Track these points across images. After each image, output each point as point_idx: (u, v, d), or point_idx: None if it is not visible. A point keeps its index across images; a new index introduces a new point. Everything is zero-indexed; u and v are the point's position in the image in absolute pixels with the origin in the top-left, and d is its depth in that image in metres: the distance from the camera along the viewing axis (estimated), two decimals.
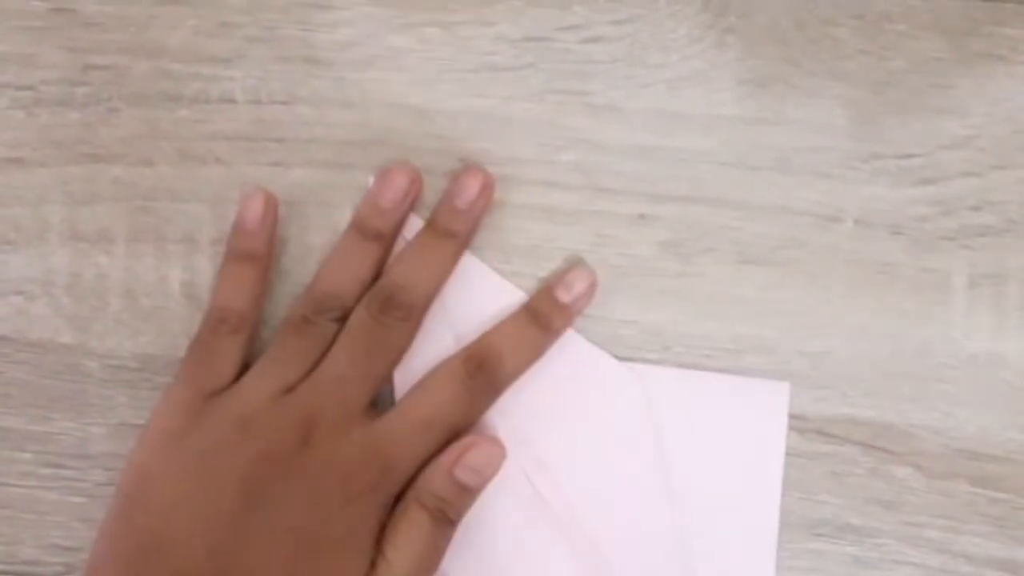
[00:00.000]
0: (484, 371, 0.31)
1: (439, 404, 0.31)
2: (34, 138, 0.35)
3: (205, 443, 0.30)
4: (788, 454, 0.32)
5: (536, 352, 0.32)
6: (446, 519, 0.30)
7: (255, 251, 0.32)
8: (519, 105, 0.34)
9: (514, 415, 0.32)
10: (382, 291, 0.31)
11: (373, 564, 0.29)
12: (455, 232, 0.32)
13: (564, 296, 0.32)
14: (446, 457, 0.30)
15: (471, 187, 0.32)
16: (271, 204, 0.33)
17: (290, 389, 0.31)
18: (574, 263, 0.33)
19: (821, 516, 0.32)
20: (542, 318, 0.32)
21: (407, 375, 0.32)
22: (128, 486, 0.30)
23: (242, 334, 0.32)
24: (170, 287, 0.34)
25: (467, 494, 0.31)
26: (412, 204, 0.33)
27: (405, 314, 0.31)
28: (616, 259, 0.34)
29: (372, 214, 0.32)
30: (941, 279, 0.33)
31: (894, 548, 0.32)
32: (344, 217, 0.34)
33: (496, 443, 0.31)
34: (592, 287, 0.32)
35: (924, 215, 0.33)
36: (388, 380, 0.32)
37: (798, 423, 0.33)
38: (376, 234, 0.32)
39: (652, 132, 0.34)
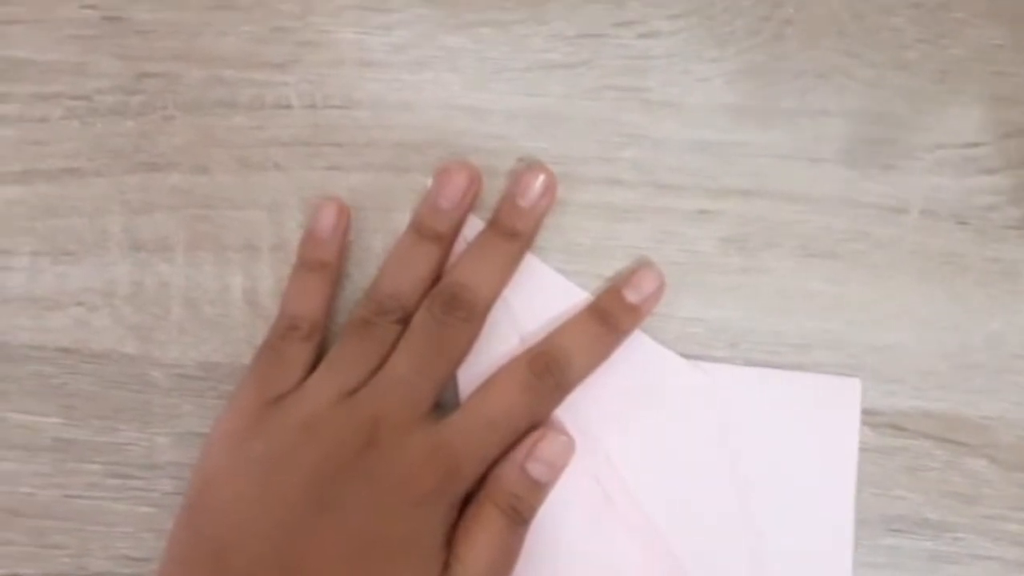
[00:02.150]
0: (551, 372, 0.31)
1: (505, 405, 0.30)
2: (89, 148, 0.34)
3: (269, 447, 0.30)
4: (862, 449, 0.32)
5: (603, 353, 0.32)
6: (519, 517, 0.30)
7: (326, 260, 0.32)
8: (576, 103, 0.34)
9: (581, 416, 0.32)
10: (444, 291, 0.31)
11: (446, 565, 0.29)
12: (518, 231, 0.32)
13: (632, 297, 0.32)
14: (517, 453, 0.30)
15: (534, 186, 0.32)
16: (343, 213, 0.32)
17: (353, 392, 0.30)
18: (642, 263, 0.33)
19: (897, 512, 0.32)
20: (610, 318, 0.32)
21: (472, 376, 0.32)
22: (194, 493, 0.30)
23: (312, 341, 0.32)
24: (232, 295, 0.34)
25: (539, 489, 0.30)
26: (472, 203, 0.33)
27: (468, 314, 0.31)
28: (679, 256, 0.33)
29: (431, 214, 0.32)
30: (1009, 268, 0.33)
31: (972, 542, 0.32)
32: (403, 220, 0.33)
33: (565, 435, 0.31)
34: (660, 288, 0.32)
35: (990, 204, 0.33)
36: (452, 381, 0.32)
37: (871, 418, 0.32)
38: (435, 235, 0.32)
39: (711, 127, 0.34)
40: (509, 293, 0.33)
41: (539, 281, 0.33)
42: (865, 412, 0.32)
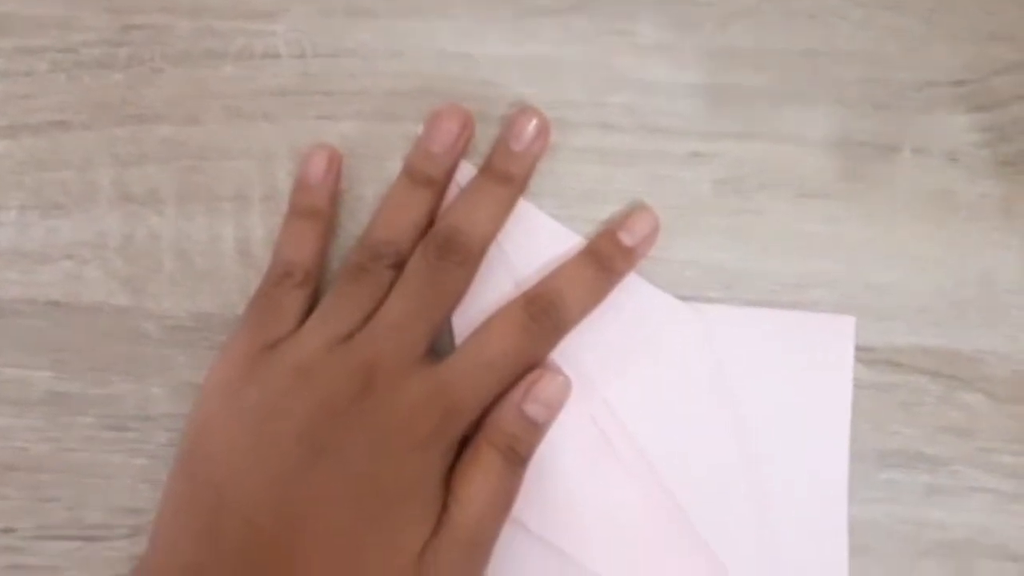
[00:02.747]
0: (546, 313, 0.31)
1: (502, 346, 0.30)
2: (77, 101, 0.34)
3: (264, 394, 0.29)
4: (857, 386, 0.32)
5: (598, 295, 0.32)
6: (517, 457, 0.30)
7: (318, 207, 0.32)
8: (567, 48, 0.34)
9: (577, 359, 0.32)
10: (438, 235, 0.31)
11: (444, 507, 0.29)
12: (511, 175, 0.32)
13: (627, 239, 0.32)
14: (515, 394, 0.30)
15: (527, 129, 0.32)
16: (334, 160, 0.32)
17: (348, 337, 0.30)
18: (637, 205, 0.33)
19: (893, 447, 0.32)
20: (605, 261, 0.32)
21: (467, 321, 0.32)
22: (189, 442, 0.30)
23: (306, 288, 0.31)
24: (224, 245, 0.34)
25: (537, 429, 0.30)
26: (464, 148, 0.32)
27: (462, 258, 0.31)
28: (672, 199, 0.33)
29: (423, 159, 0.32)
30: (1000, 205, 0.33)
31: (968, 475, 0.32)
32: (395, 168, 0.33)
33: (562, 375, 0.31)
34: (655, 230, 0.32)
35: (981, 141, 0.33)
36: (447, 326, 0.32)
37: (866, 355, 0.32)
38: (428, 180, 0.32)
39: (703, 69, 0.34)
40: (503, 238, 0.33)
41: (533, 226, 0.33)
42: (860, 349, 0.32)
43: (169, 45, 0.34)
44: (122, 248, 0.34)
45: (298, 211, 0.32)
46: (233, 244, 0.34)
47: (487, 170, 0.32)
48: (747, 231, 0.33)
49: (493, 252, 0.32)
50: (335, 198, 0.33)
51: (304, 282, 0.31)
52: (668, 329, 0.33)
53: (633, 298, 0.33)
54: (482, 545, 0.30)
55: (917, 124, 0.33)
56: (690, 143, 0.33)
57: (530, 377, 0.31)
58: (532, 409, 0.30)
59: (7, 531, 0.33)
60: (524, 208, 0.33)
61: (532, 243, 0.33)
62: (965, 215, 0.33)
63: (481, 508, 0.29)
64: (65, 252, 0.34)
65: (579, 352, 0.32)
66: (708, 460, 0.32)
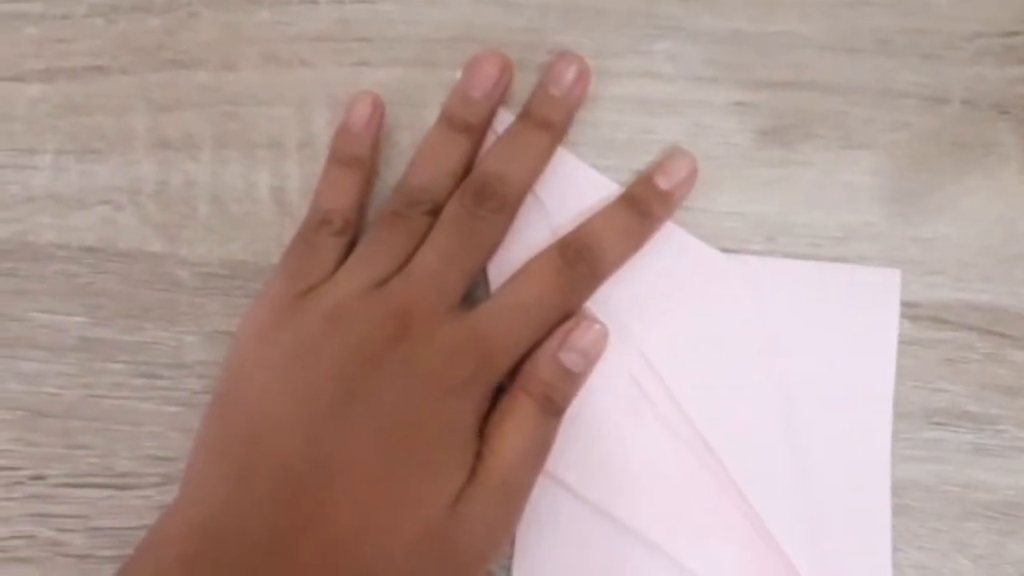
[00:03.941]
0: (583, 259, 0.30)
1: (537, 292, 0.30)
2: (114, 45, 0.34)
3: (299, 338, 0.29)
4: (902, 342, 0.31)
5: (636, 241, 0.31)
6: (553, 407, 0.30)
7: (359, 154, 0.32)
8: None
9: (616, 311, 0.32)
10: (475, 182, 0.31)
11: (479, 455, 0.29)
12: (551, 122, 0.31)
13: (664, 183, 0.31)
14: (551, 342, 0.30)
15: (567, 74, 0.31)
16: (378, 107, 0.32)
17: (383, 283, 0.30)
18: (673, 149, 0.32)
19: (938, 404, 0.31)
20: (642, 205, 0.31)
21: (502, 269, 0.32)
22: (224, 384, 0.30)
23: (344, 236, 0.31)
24: (259, 193, 0.33)
25: (573, 379, 0.30)
26: (503, 94, 0.32)
27: (499, 205, 0.30)
28: (715, 150, 0.33)
29: (461, 105, 0.32)
30: None
31: (1014, 434, 0.31)
32: (432, 116, 0.33)
33: (599, 324, 0.30)
34: (693, 173, 0.31)
35: None
36: (482, 274, 0.32)
37: (911, 310, 0.32)
38: (466, 126, 0.31)
39: (747, 18, 0.33)
40: (539, 186, 0.32)
41: (570, 174, 0.32)
42: (906, 304, 0.32)
43: None
44: (157, 194, 0.33)
45: (339, 158, 0.32)
46: (268, 192, 0.33)
47: (526, 116, 0.32)
48: (790, 182, 0.32)
49: (529, 200, 0.32)
50: (377, 146, 0.32)
51: (342, 230, 0.31)
52: (709, 281, 0.32)
53: (673, 249, 0.32)
54: (516, 494, 0.29)
55: (966, 75, 0.32)
56: (733, 92, 0.33)
57: (566, 326, 0.30)
58: (568, 358, 0.30)
59: (37, 478, 0.33)
60: (561, 156, 0.32)
61: (569, 191, 0.32)
62: (1015, 168, 0.32)
63: (515, 457, 0.29)
64: (100, 197, 0.33)
65: (618, 303, 0.32)
66: (749, 415, 0.31)
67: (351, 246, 0.31)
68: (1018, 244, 0.32)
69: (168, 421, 0.33)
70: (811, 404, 0.31)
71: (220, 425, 0.29)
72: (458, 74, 0.32)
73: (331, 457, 0.28)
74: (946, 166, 0.32)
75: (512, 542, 0.31)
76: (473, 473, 0.28)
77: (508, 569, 0.31)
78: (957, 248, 0.32)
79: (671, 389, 0.31)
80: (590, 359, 0.30)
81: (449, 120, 0.32)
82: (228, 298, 0.33)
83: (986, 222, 0.32)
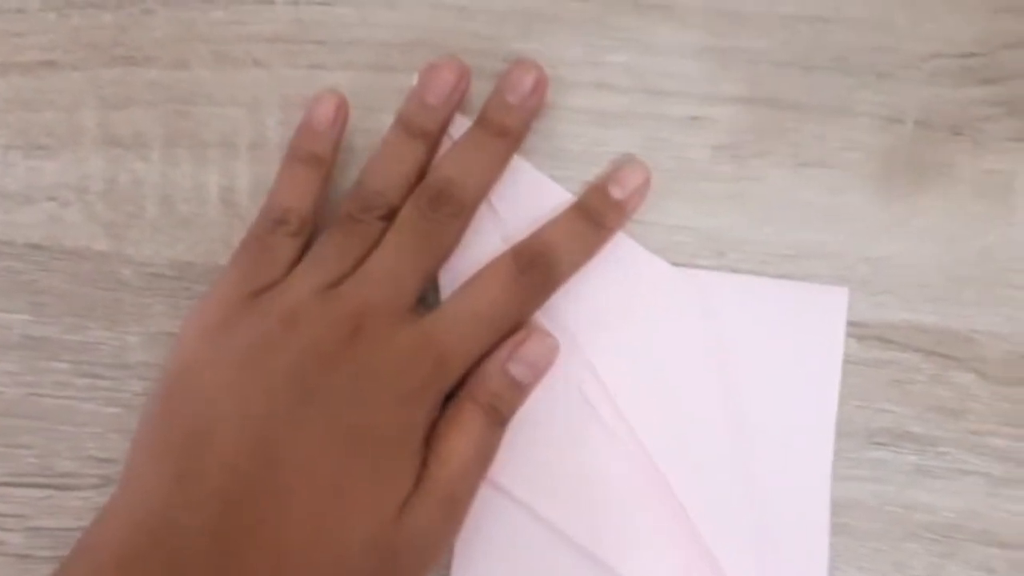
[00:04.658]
0: (535, 267, 0.30)
1: (490, 299, 0.30)
2: (66, 40, 0.33)
3: (252, 338, 0.29)
4: (848, 361, 0.31)
5: (589, 250, 0.31)
6: (498, 416, 0.29)
7: (321, 154, 0.31)
8: (566, 4, 0.33)
9: (565, 321, 0.31)
10: (432, 187, 0.30)
11: (424, 462, 0.28)
12: (507, 128, 0.31)
13: (617, 193, 0.31)
14: (500, 352, 0.30)
15: (524, 81, 0.31)
16: (342, 107, 0.32)
17: (336, 285, 0.29)
18: (626, 158, 0.32)
19: (882, 424, 0.31)
20: (595, 215, 0.31)
21: (454, 276, 0.31)
22: (168, 383, 0.29)
23: (300, 237, 0.31)
24: (208, 193, 0.33)
25: (520, 390, 0.30)
26: (459, 100, 0.32)
27: (455, 210, 0.30)
28: (669, 163, 0.32)
29: (417, 111, 0.31)
30: (1004, 181, 0.32)
31: (957, 456, 0.31)
32: (386, 120, 0.32)
33: (550, 336, 0.30)
34: (646, 183, 0.31)
35: (986, 115, 0.32)
36: (433, 281, 0.31)
37: (858, 330, 0.32)
38: (422, 131, 0.31)
39: (705, 32, 0.33)
40: (493, 193, 0.32)
41: (523, 181, 0.32)
42: (852, 324, 0.32)
43: None
44: (105, 192, 0.33)
45: (299, 156, 0.31)
46: (218, 192, 0.33)
47: (482, 122, 0.31)
48: (743, 198, 0.32)
49: (482, 207, 0.32)
50: (338, 147, 0.32)
51: (298, 231, 0.31)
52: (659, 294, 0.32)
53: (624, 262, 0.32)
54: (459, 502, 0.29)
55: (921, 96, 0.32)
56: (689, 106, 0.33)
57: (517, 336, 0.30)
58: (517, 369, 0.30)
59: None
60: (515, 163, 0.32)
61: (522, 198, 0.32)
62: (968, 190, 0.32)
63: (460, 465, 0.29)
64: (47, 194, 0.33)
65: (567, 315, 0.32)
66: (693, 429, 0.31)
67: (304, 247, 0.31)
68: (967, 266, 0.32)
69: (109, 422, 0.32)
70: (755, 420, 0.31)
71: (163, 425, 0.29)
72: (414, 79, 0.32)
73: (281, 458, 0.27)
74: (899, 186, 0.32)
75: (451, 551, 0.31)
76: (419, 480, 0.28)
77: None
78: (906, 269, 0.32)
79: (617, 400, 0.31)
80: (538, 371, 0.30)
81: (405, 125, 0.31)
82: (173, 299, 0.33)
83: (937, 243, 0.32)
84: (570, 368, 0.31)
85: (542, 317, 0.31)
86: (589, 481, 0.31)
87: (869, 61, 0.32)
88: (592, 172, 0.33)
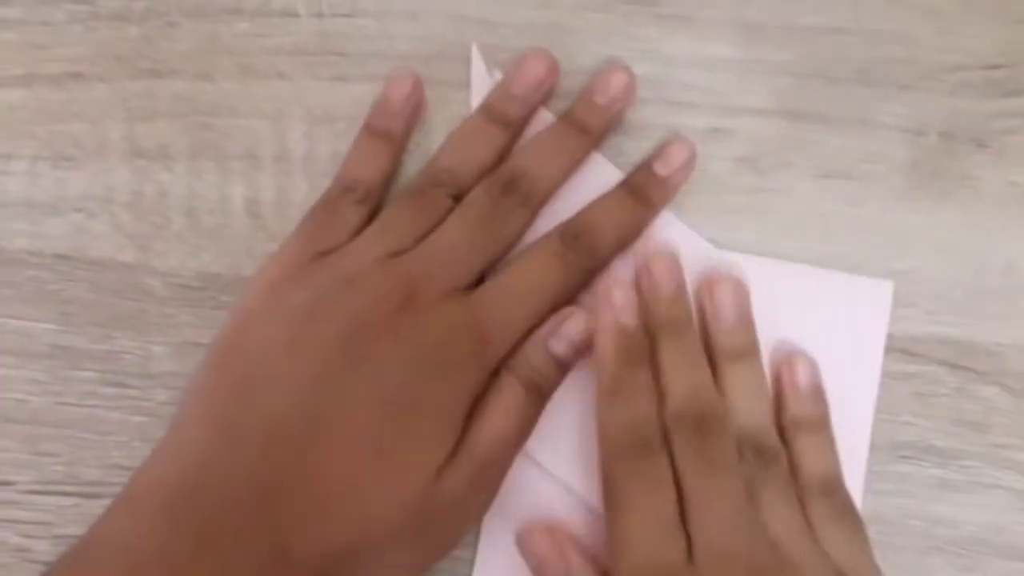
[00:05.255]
0: (581, 242, 0.30)
1: (536, 276, 0.30)
2: (92, 53, 0.34)
3: (308, 297, 0.29)
4: None
5: (634, 226, 0.31)
6: (538, 391, 0.30)
7: (392, 130, 0.32)
8: (588, 16, 0.33)
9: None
10: (505, 174, 0.31)
11: (464, 434, 0.29)
12: (589, 127, 0.31)
13: (662, 169, 0.31)
14: (543, 329, 0.30)
15: (614, 84, 0.31)
16: (418, 87, 0.32)
17: (397, 255, 0.30)
18: (672, 136, 0.32)
19: (905, 438, 0.31)
20: (640, 191, 0.31)
21: None
22: (227, 334, 0.30)
23: (365, 206, 0.31)
24: (232, 205, 0.33)
25: (561, 367, 0.30)
26: (545, 96, 0.32)
27: (524, 199, 0.31)
28: (691, 175, 0.32)
29: (502, 99, 0.32)
30: None
31: (981, 470, 0.31)
32: None
33: (592, 316, 0.30)
34: (691, 159, 0.32)
35: (1010, 127, 0.32)
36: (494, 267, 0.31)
37: None
38: (502, 118, 0.32)
39: (726, 43, 0.33)
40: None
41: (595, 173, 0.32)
42: None
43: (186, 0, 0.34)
44: (131, 204, 0.33)
45: (372, 131, 0.32)
46: (242, 204, 0.33)
47: (566, 118, 0.32)
48: (766, 210, 0.32)
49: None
50: (411, 125, 0.32)
51: (364, 199, 0.31)
52: (698, 274, 0.32)
53: (669, 240, 0.32)
54: (494, 471, 0.29)
55: (945, 107, 0.32)
56: (711, 118, 0.33)
57: (561, 314, 0.30)
58: (558, 346, 0.30)
59: (5, 484, 0.33)
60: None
61: (573, 178, 0.32)
62: (991, 203, 0.32)
63: (497, 437, 0.29)
64: (74, 205, 0.33)
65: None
66: None
67: (369, 218, 0.31)
68: (991, 278, 0.32)
69: (135, 431, 0.33)
70: None
71: (215, 375, 0.29)
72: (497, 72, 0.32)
73: (324, 417, 0.28)
74: (922, 198, 0.32)
75: (479, 525, 0.31)
76: (456, 449, 0.28)
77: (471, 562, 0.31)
78: (930, 281, 0.32)
79: None
80: (579, 350, 0.30)
81: (487, 111, 0.32)
82: (198, 310, 0.33)
83: (960, 255, 0.32)
84: None
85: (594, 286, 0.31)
86: None
87: (891, 73, 0.32)
88: None
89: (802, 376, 0.31)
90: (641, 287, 0.31)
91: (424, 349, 0.28)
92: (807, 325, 0.31)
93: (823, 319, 0.31)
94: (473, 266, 0.30)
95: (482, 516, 0.31)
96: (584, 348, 0.30)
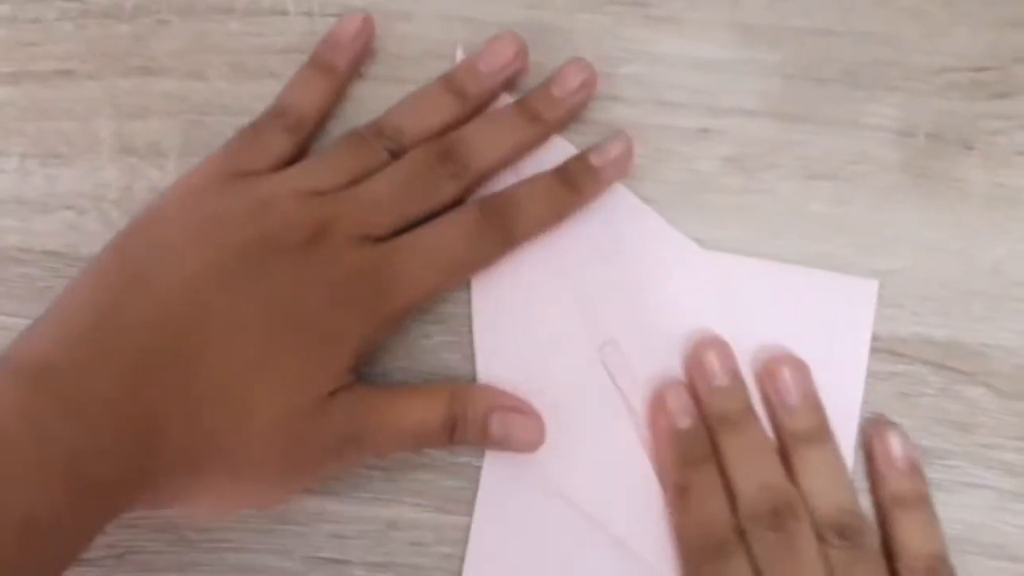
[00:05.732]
0: (499, 215, 0.31)
1: (449, 240, 0.30)
2: (83, 50, 0.34)
3: (219, 211, 0.29)
4: None
5: (557, 211, 0.31)
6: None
7: (335, 64, 0.32)
8: (577, 16, 0.33)
9: (587, 295, 0.32)
10: (446, 143, 0.31)
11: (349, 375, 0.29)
12: (540, 117, 0.32)
13: (596, 160, 0.31)
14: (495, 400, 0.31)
15: (572, 78, 0.32)
16: (367, 26, 0.32)
17: (319, 195, 0.30)
18: (613, 132, 0.32)
19: None
20: (570, 178, 0.31)
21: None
22: (137, 224, 0.30)
23: (294, 135, 0.31)
24: None
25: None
26: (510, 79, 0.32)
27: (458, 172, 0.31)
28: (678, 175, 0.33)
29: (465, 71, 0.32)
30: (1014, 195, 0.32)
31: (966, 470, 0.31)
32: None
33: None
34: (627, 153, 0.31)
35: (997, 129, 0.32)
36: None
37: None
38: (460, 90, 0.32)
39: (714, 44, 0.33)
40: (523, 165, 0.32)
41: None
42: None
43: None
44: (121, 200, 0.33)
45: (315, 63, 0.33)
46: None
47: (520, 104, 0.32)
48: (752, 210, 0.32)
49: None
50: (355, 63, 0.33)
51: (294, 128, 0.32)
52: (685, 273, 0.32)
53: (652, 238, 0.32)
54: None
55: (932, 109, 0.32)
56: (699, 118, 0.33)
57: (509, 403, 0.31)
58: (496, 426, 0.30)
59: None
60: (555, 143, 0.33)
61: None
62: (978, 204, 0.32)
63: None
64: (64, 202, 0.33)
65: (592, 293, 0.32)
66: None
67: (297, 148, 0.32)
68: (977, 279, 0.32)
69: None
70: None
71: (114, 260, 0.29)
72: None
73: (211, 319, 0.28)
74: (909, 199, 0.32)
75: (468, 527, 0.31)
76: (340, 387, 0.29)
77: (462, 558, 0.31)
78: (916, 282, 0.32)
79: (637, 376, 0.31)
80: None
81: (448, 81, 0.32)
82: None
83: (947, 256, 0.32)
84: (593, 341, 0.32)
85: (564, 287, 0.32)
86: (609, 458, 0.31)
87: (879, 75, 0.32)
88: None
89: (896, 448, 0.30)
90: (694, 378, 0.31)
91: (324, 282, 0.29)
92: (793, 325, 0.31)
93: (808, 319, 0.31)
94: (391, 221, 0.30)
95: (361, 457, 0.31)
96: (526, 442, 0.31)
